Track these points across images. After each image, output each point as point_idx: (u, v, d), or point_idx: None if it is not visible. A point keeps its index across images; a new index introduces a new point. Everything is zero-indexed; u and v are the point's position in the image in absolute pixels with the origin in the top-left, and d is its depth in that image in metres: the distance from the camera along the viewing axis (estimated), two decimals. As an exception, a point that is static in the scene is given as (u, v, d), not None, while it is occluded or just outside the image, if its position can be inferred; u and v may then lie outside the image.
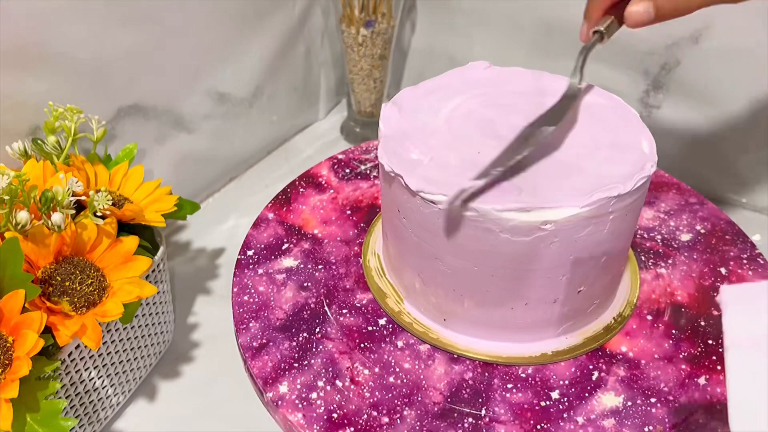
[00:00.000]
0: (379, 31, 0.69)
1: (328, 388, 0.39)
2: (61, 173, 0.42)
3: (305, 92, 0.77)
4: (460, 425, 0.36)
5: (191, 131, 0.64)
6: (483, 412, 0.37)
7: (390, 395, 0.38)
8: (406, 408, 0.37)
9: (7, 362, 0.36)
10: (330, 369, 0.40)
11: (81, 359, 0.43)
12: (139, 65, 0.56)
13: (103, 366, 0.45)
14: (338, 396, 0.38)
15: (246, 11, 0.63)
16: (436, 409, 0.37)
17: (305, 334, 0.42)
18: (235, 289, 0.45)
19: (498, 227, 0.34)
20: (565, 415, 0.37)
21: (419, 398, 0.38)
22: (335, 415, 0.37)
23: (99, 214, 0.42)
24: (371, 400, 0.38)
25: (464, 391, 0.38)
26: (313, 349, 0.41)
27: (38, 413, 0.37)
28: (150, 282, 0.46)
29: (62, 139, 0.46)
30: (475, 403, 0.37)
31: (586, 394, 0.38)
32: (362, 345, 0.41)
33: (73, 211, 0.41)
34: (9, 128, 0.48)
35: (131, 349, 0.48)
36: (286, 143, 0.77)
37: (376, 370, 0.39)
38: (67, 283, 0.40)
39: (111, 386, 0.47)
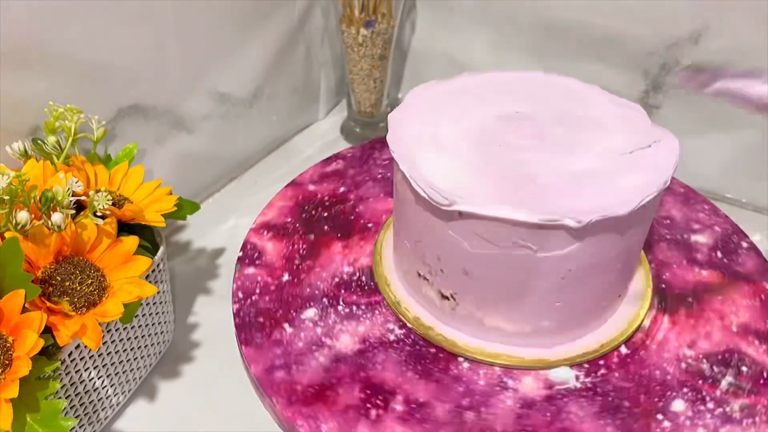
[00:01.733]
0: (379, 31, 0.69)
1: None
2: (61, 173, 0.42)
3: (305, 92, 0.77)
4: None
5: (191, 131, 0.64)
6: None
7: None
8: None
9: (7, 362, 0.36)
10: None
11: (81, 359, 0.43)
12: (139, 65, 0.56)
13: (103, 366, 0.45)
14: None
15: (246, 11, 0.63)
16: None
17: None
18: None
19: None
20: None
21: None
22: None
23: (99, 214, 0.42)
24: None
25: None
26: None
27: (38, 413, 0.37)
28: (150, 282, 0.46)
29: (62, 139, 0.46)
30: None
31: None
32: None
33: (73, 211, 0.41)
34: (9, 128, 0.48)
35: (131, 349, 0.48)
36: (286, 143, 0.77)
37: None
38: (67, 283, 0.40)
39: (111, 386, 0.47)
